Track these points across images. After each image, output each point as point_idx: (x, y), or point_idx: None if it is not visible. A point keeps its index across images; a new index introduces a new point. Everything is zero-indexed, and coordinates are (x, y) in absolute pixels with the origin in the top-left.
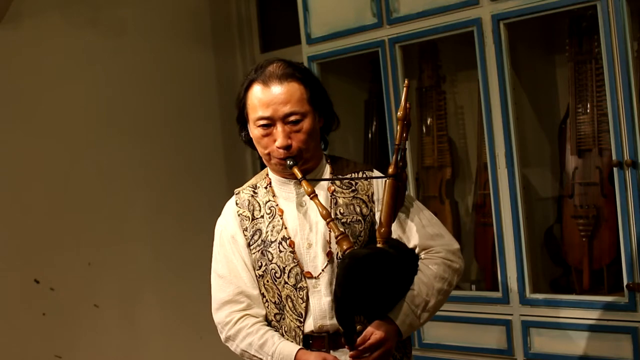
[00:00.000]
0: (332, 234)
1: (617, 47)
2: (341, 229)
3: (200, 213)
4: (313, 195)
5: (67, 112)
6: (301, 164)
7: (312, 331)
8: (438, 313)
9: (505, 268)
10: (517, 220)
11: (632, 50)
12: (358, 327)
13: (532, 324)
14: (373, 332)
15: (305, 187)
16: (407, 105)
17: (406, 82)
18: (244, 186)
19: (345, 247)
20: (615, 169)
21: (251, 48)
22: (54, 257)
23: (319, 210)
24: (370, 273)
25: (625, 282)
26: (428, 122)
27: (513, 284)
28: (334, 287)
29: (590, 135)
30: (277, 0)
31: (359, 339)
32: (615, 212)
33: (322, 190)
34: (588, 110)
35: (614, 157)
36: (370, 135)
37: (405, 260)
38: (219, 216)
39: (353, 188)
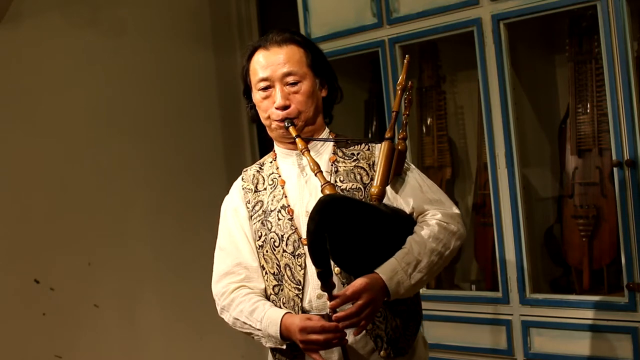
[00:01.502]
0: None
1: (617, 47)
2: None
3: (200, 213)
4: (305, 150)
5: (67, 112)
6: (300, 130)
7: (310, 300)
8: (438, 313)
9: (505, 268)
10: (517, 220)
11: (632, 50)
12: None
13: (532, 324)
14: (354, 283)
15: (299, 144)
16: (410, 83)
17: (407, 57)
18: (253, 165)
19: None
20: (615, 169)
21: None
22: (54, 257)
23: (310, 165)
24: (351, 218)
25: (625, 282)
26: (428, 122)
27: (513, 284)
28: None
29: (590, 135)
30: (277, 0)
31: (340, 291)
32: (615, 212)
33: (325, 155)
34: (588, 110)
35: (614, 157)
36: (370, 135)
37: (399, 222)
38: (219, 216)
39: (355, 157)
